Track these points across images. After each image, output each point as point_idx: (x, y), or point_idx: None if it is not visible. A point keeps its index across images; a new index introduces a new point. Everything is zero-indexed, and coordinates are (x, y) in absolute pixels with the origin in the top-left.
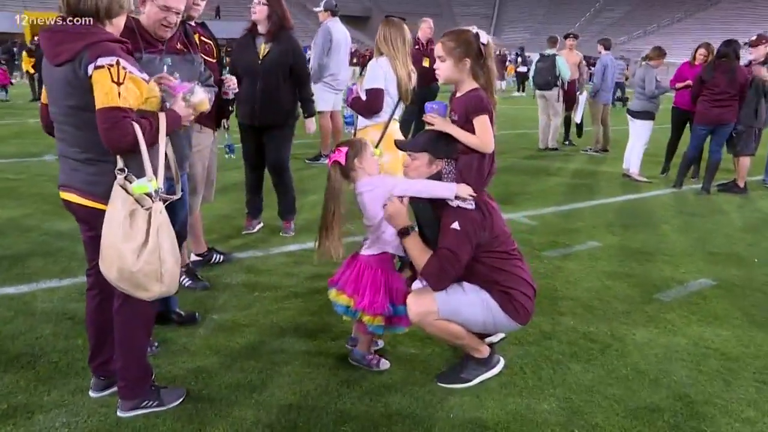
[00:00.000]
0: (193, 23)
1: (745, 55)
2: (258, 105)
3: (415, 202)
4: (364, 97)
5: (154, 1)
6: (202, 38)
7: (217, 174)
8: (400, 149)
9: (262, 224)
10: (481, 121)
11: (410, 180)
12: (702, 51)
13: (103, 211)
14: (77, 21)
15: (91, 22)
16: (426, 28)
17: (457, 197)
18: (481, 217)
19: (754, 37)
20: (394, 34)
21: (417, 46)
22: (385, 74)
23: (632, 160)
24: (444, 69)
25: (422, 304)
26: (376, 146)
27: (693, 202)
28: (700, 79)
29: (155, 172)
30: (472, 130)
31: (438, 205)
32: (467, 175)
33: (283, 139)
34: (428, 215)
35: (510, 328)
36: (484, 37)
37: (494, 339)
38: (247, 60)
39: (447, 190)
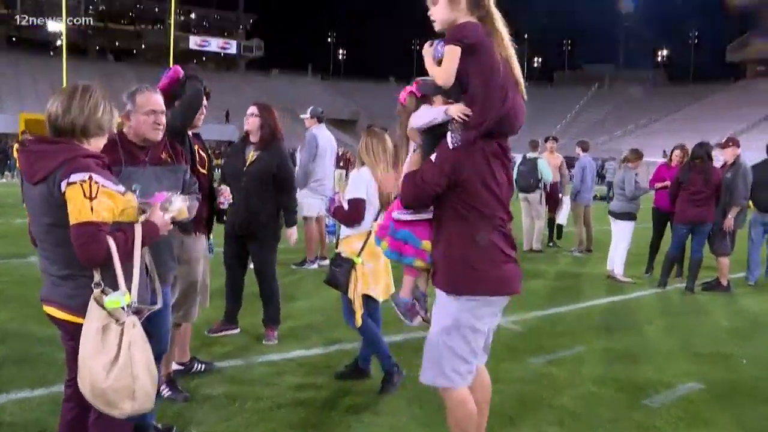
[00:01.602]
0: (191, 133)
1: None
2: (240, 211)
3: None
4: (346, 207)
5: (137, 111)
6: (199, 151)
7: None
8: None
9: (236, 331)
10: (447, 50)
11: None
12: (678, 153)
13: (81, 326)
14: (55, 139)
15: (68, 140)
16: None
17: (450, 129)
18: (458, 156)
19: (723, 140)
20: (375, 145)
21: None
22: (366, 184)
23: (616, 260)
24: (437, 12)
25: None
26: (358, 255)
27: (678, 302)
28: (677, 180)
29: (129, 286)
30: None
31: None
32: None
33: (266, 246)
34: None
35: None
36: None
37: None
38: (233, 166)
39: (438, 112)
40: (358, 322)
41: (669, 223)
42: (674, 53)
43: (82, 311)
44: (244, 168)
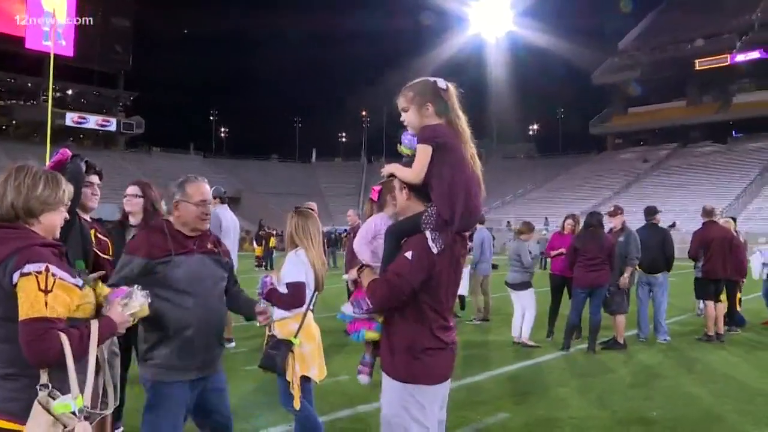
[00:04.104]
0: (88, 218)
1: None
2: None
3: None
4: (282, 290)
5: (189, 201)
6: (98, 235)
7: None
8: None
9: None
10: (419, 149)
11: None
12: (570, 222)
13: None
14: (4, 224)
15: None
16: (353, 215)
17: (427, 229)
18: (432, 257)
19: (611, 209)
20: (309, 225)
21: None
22: (306, 267)
23: (524, 327)
24: (409, 118)
25: None
26: (295, 336)
27: (583, 363)
28: (574, 247)
29: (83, 388)
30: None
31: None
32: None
33: None
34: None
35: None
36: (442, 83)
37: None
38: (117, 254)
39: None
40: (297, 404)
41: (566, 288)
42: (543, 128)
43: (22, 417)
44: None
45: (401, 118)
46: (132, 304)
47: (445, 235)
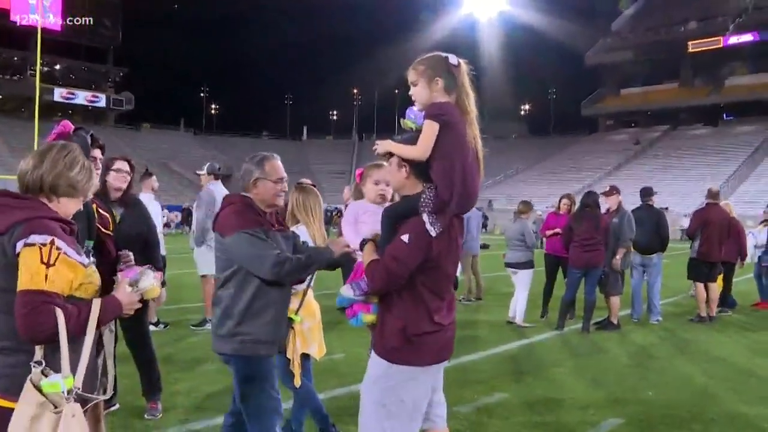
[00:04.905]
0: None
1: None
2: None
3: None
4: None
5: (268, 178)
6: (99, 210)
7: None
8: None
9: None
10: (426, 125)
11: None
12: (565, 201)
13: (11, 411)
14: (20, 194)
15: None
16: (348, 192)
17: (425, 211)
18: (429, 240)
19: (607, 189)
20: (311, 201)
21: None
22: (306, 242)
23: (518, 310)
24: (417, 93)
25: None
26: (296, 313)
27: (577, 343)
28: (569, 227)
29: (75, 369)
30: None
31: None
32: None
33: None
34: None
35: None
36: (454, 59)
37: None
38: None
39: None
40: (298, 382)
41: (560, 268)
42: (535, 108)
43: (14, 393)
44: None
45: (410, 92)
46: (142, 285)
47: (443, 218)
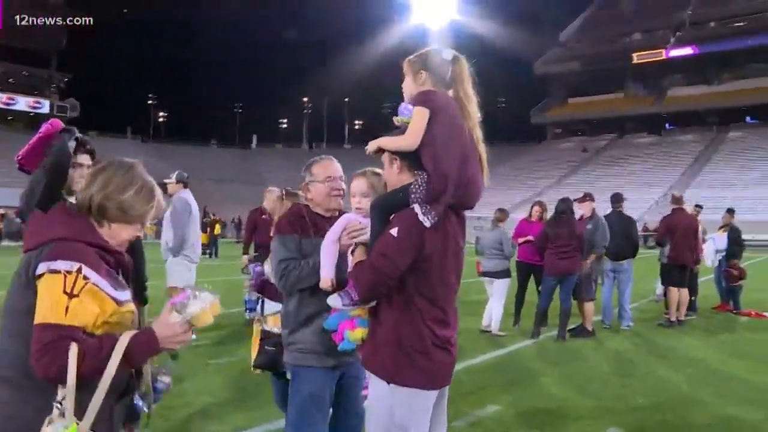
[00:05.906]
0: (74, 200)
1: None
2: None
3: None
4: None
5: (316, 180)
6: None
7: None
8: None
9: None
10: (416, 112)
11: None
12: (537, 208)
13: None
14: (70, 212)
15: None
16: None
17: (416, 201)
18: (423, 227)
19: (581, 195)
20: None
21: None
22: None
23: (494, 317)
24: (405, 86)
25: None
26: None
27: (555, 351)
28: (545, 234)
29: (80, 413)
30: None
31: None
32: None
33: None
34: None
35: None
36: (447, 54)
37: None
38: None
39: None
40: None
41: (532, 276)
42: (484, 117)
43: None
44: None
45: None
46: (191, 309)
47: (437, 208)
